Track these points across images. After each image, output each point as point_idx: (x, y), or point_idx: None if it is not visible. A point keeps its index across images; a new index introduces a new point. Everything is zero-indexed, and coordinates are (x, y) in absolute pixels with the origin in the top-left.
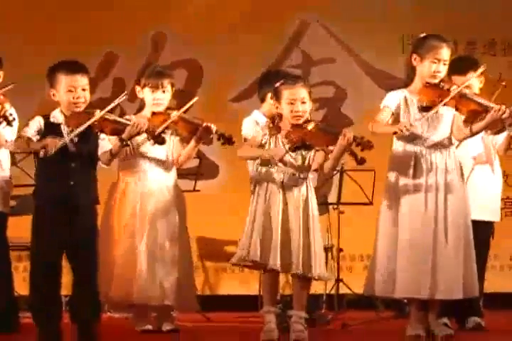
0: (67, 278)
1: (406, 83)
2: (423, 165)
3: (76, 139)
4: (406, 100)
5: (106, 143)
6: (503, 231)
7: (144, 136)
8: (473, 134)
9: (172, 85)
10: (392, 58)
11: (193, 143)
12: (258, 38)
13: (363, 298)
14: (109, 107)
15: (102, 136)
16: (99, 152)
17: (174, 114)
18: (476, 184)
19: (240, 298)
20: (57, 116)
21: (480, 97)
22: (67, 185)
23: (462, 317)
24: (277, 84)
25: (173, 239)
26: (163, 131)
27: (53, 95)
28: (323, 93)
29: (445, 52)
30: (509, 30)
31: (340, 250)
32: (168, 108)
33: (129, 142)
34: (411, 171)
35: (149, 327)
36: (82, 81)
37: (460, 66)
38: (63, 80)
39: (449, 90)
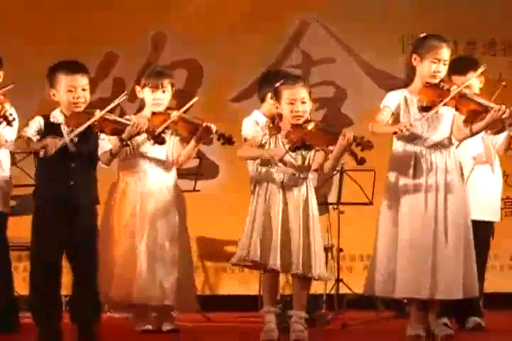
0: (67, 278)
1: (406, 83)
2: (423, 165)
3: (76, 139)
4: (406, 100)
5: (106, 143)
6: (503, 231)
7: (144, 136)
8: (473, 134)
9: (172, 85)
10: (392, 58)
11: (193, 143)
12: (258, 38)
13: (363, 298)
14: (109, 107)
15: (102, 136)
16: (99, 152)
17: (174, 114)
18: (476, 184)
19: (240, 298)
20: (57, 116)
21: (480, 97)
22: (67, 185)
23: (462, 317)
24: (277, 84)
25: (173, 239)
26: (163, 131)
27: (53, 95)
28: (323, 93)
29: (445, 52)
30: (509, 30)
31: (340, 250)
32: (168, 108)
33: (129, 142)
34: (411, 171)
35: (149, 327)
36: (82, 81)
37: (460, 66)
38: (63, 80)
39: (449, 90)
